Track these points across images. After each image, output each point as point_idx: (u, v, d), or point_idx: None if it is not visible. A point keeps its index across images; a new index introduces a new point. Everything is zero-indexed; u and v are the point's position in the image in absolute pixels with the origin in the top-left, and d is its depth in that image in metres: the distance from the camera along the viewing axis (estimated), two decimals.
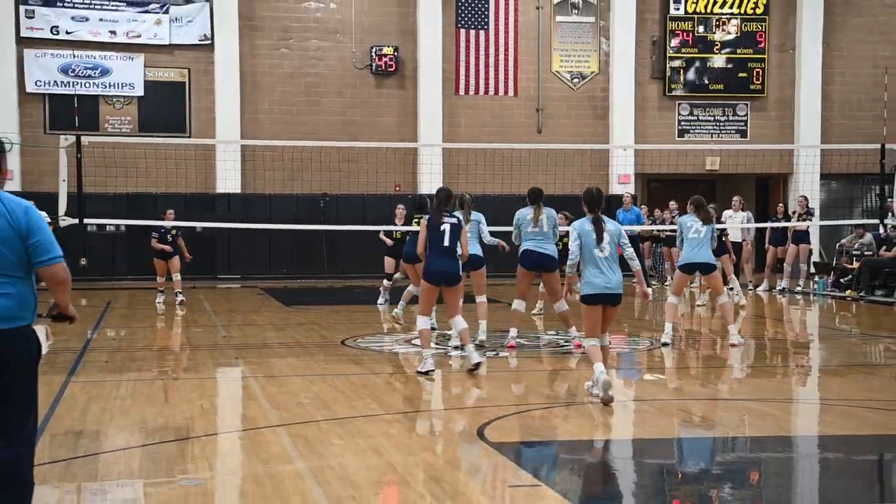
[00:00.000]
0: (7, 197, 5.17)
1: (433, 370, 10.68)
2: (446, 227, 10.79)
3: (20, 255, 5.13)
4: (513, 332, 12.64)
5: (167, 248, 18.30)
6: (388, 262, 18.23)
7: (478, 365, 10.72)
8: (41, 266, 5.20)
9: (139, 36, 24.73)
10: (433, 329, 12.93)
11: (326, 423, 8.42)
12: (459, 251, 10.95)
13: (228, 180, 24.36)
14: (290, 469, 6.95)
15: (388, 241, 18.17)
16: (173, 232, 18.39)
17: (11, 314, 5.09)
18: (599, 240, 9.35)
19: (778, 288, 21.58)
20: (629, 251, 9.98)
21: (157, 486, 6.63)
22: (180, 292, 18.59)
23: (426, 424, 8.91)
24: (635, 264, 10.25)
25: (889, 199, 16.80)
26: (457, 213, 11.48)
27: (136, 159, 22.83)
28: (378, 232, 18.58)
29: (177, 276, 18.46)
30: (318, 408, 9.09)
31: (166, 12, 24.82)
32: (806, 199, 22.32)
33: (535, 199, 12.39)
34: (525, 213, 12.45)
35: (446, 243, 10.78)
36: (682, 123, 27.02)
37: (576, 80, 26.67)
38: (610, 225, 9.56)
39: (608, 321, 9.58)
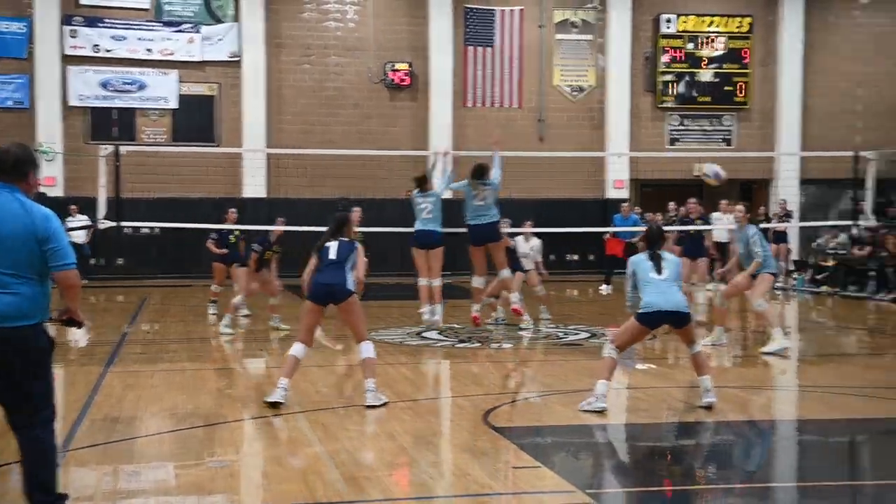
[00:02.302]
0: (32, 205, 5.22)
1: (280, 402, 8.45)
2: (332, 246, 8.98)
3: (35, 258, 5.16)
4: (514, 296, 12.89)
5: (223, 251, 15.48)
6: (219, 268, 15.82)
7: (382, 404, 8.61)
8: (56, 270, 5.23)
9: (173, 53, 24.77)
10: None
11: (343, 410, 8.42)
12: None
13: (255, 186, 24.42)
14: (309, 452, 6.95)
15: (216, 250, 15.65)
16: (236, 233, 15.62)
17: (20, 312, 5.12)
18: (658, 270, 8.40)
19: None
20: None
21: (187, 468, 6.63)
22: (238, 311, 14.21)
23: (435, 411, 8.90)
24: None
25: (861, 202, 16.73)
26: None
27: (169, 167, 22.89)
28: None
29: (237, 295, 14.16)
30: (336, 396, 9.09)
31: (198, 32, 24.85)
32: (785, 202, 22.33)
33: (478, 175, 12.48)
34: (465, 187, 12.88)
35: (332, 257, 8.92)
36: (673, 133, 26.95)
37: (575, 93, 26.62)
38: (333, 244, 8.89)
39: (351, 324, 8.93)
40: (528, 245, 14.69)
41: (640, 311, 8.33)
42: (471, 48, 25.97)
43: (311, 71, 25.56)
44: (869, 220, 17.01)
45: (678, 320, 8.33)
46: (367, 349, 8.75)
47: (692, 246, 17.10)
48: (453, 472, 6.58)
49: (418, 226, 13.27)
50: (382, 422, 7.92)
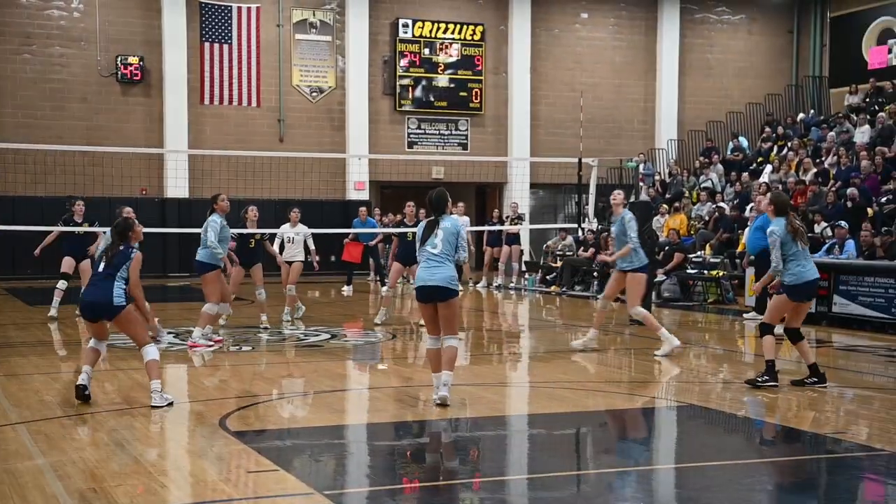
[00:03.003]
0: None
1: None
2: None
3: None
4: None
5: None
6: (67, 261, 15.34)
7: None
8: None
9: None
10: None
11: (69, 419, 7.97)
12: None
13: None
14: (29, 465, 6.52)
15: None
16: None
17: None
18: (424, 239, 8.58)
19: (494, 284, 22.26)
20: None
21: None
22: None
23: (170, 417, 8.59)
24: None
25: (585, 206, 17.60)
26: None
27: None
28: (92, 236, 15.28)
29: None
30: (61, 404, 8.59)
31: None
32: (517, 205, 23.14)
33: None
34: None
35: None
36: (411, 136, 27.45)
37: (314, 94, 26.57)
38: (446, 223, 8.62)
39: (443, 318, 8.55)
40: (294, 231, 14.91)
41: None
42: (207, 44, 25.41)
43: (32, 61, 24.18)
44: (592, 223, 17.88)
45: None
46: (150, 352, 8.55)
47: None
48: (188, 479, 6.37)
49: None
50: (112, 430, 7.55)
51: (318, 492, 5.91)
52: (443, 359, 8.54)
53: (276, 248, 14.78)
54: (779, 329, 9.91)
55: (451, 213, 9.06)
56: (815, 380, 9.58)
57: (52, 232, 15.63)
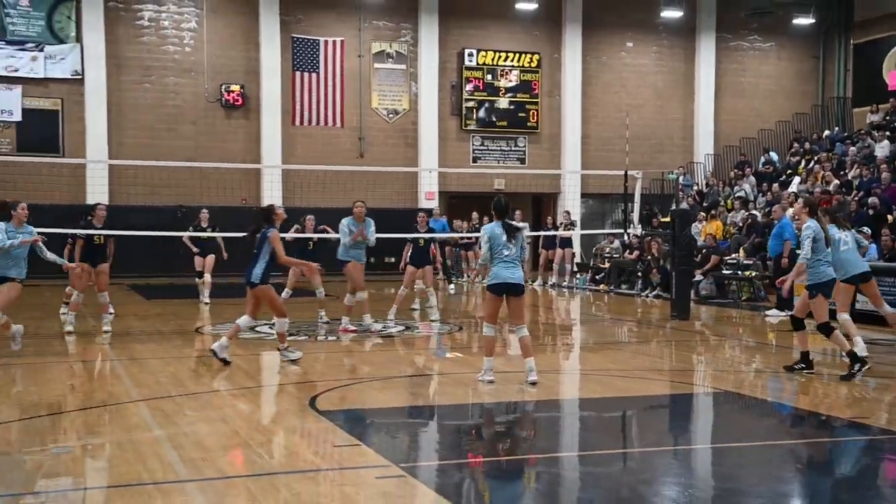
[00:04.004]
0: None
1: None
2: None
3: None
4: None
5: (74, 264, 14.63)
6: (198, 261, 16.94)
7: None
8: None
9: (17, 70, 23.38)
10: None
11: (181, 398, 8.15)
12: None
13: (98, 194, 23.28)
14: (149, 436, 6.69)
15: (194, 248, 16.78)
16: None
17: None
18: (509, 240, 8.73)
19: (549, 283, 22.20)
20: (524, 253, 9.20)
21: (32, 454, 6.26)
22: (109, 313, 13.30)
23: (266, 397, 8.75)
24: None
25: (630, 213, 17.46)
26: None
27: (13, 175, 21.54)
28: (184, 238, 16.81)
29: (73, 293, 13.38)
30: (174, 385, 8.80)
31: (41, 50, 23.55)
32: (569, 212, 23.04)
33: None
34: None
35: None
36: (476, 151, 27.46)
37: (391, 115, 26.73)
38: (520, 226, 8.97)
39: (515, 309, 8.85)
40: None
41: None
42: (298, 73, 25.70)
43: (151, 90, 24.68)
44: (637, 229, 17.74)
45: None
46: (280, 324, 9.97)
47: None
48: (282, 451, 6.48)
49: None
50: (217, 408, 7.71)
51: (395, 464, 5.97)
52: (522, 347, 8.85)
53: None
54: (807, 324, 9.74)
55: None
56: (804, 366, 9.54)
57: (181, 237, 16.94)
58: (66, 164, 23.26)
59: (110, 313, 13.16)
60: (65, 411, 7.60)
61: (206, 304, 16.71)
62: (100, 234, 12.97)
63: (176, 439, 6.56)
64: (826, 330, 9.31)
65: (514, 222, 8.93)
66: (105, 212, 13.26)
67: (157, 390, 8.49)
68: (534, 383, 8.67)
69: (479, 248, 9.38)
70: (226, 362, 9.72)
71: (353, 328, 12.78)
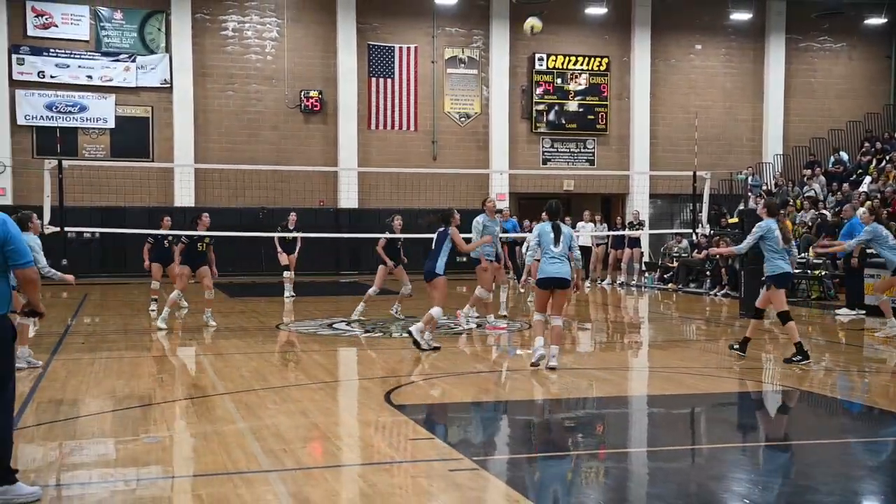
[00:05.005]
0: None
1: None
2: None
3: None
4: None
5: (146, 262, 15.07)
6: (283, 257, 18.03)
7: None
8: (16, 268, 5.07)
9: (111, 80, 24.10)
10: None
11: (263, 391, 8.29)
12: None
13: (185, 196, 23.90)
14: (233, 428, 6.82)
15: (279, 248, 17.93)
16: (170, 238, 14.73)
17: None
18: (556, 240, 9.34)
19: (618, 282, 21.97)
20: (577, 253, 9.74)
21: (125, 443, 6.44)
22: (182, 307, 14.41)
23: (344, 391, 8.84)
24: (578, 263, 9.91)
25: (699, 214, 17.18)
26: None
27: (108, 179, 22.24)
28: (275, 239, 17.93)
29: (173, 290, 13.37)
30: (257, 379, 8.95)
31: (133, 61, 24.23)
32: (638, 212, 22.77)
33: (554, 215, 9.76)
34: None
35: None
36: (546, 153, 27.33)
37: (463, 119, 26.77)
38: (565, 229, 9.47)
39: (557, 302, 9.39)
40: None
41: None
42: (374, 79, 25.91)
43: (234, 97, 25.16)
44: (705, 229, 17.46)
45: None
46: (434, 312, 10.37)
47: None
48: (359, 444, 6.54)
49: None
50: (297, 401, 7.82)
51: (467, 457, 5.97)
52: (552, 335, 9.32)
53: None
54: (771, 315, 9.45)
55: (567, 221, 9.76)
56: (800, 357, 9.66)
57: (272, 237, 17.92)
58: (155, 168, 23.89)
59: (206, 311, 13.51)
60: (154, 403, 7.79)
61: (291, 297, 17.57)
62: (201, 240, 13.31)
63: (258, 431, 6.67)
64: (784, 318, 9.80)
65: (562, 224, 9.52)
66: (209, 220, 13.63)
67: (240, 384, 8.65)
68: (553, 368, 9.13)
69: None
70: (435, 349, 10.50)
71: (502, 325, 12.98)
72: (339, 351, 11.37)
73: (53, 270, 9.65)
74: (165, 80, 24.40)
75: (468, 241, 12.13)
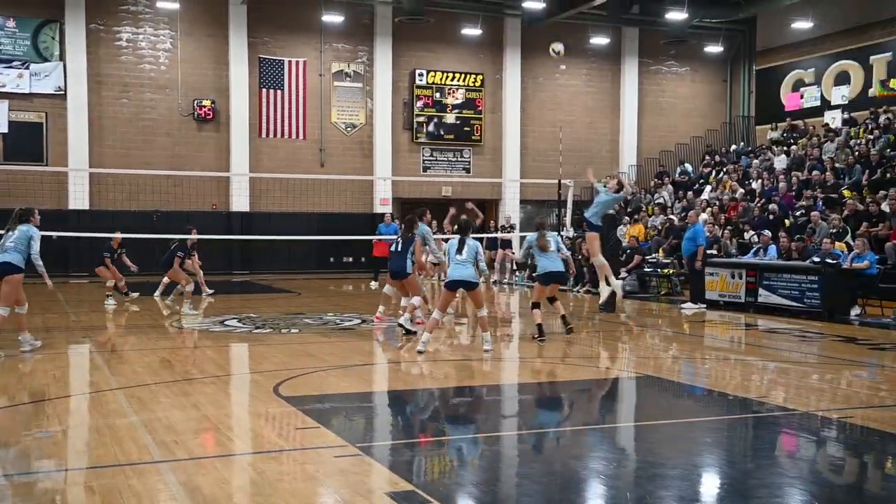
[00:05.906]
0: None
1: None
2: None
3: None
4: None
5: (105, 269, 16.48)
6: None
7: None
8: None
9: (4, 86, 22.84)
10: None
11: (156, 386, 8.02)
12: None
13: (79, 199, 22.87)
14: (125, 422, 6.57)
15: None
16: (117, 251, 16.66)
17: None
18: (460, 250, 10.21)
19: (492, 280, 22.22)
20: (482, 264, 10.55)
21: (18, 438, 6.10)
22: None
23: (235, 385, 8.64)
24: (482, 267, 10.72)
25: (564, 217, 17.60)
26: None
27: (2, 182, 21.06)
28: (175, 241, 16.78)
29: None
30: (149, 374, 8.65)
31: (27, 68, 23.03)
32: (509, 217, 23.15)
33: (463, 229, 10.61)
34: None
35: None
36: (426, 162, 27.44)
37: (349, 129, 26.59)
38: (470, 242, 10.24)
39: (473, 300, 10.44)
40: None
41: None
42: (264, 90, 25.46)
43: (128, 104, 24.25)
44: (569, 231, 17.89)
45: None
46: (414, 300, 11.52)
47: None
48: (249, 434, 6.41)
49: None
50: (189, 395, 7.59)
51: (351, 444, 5.94)
52: (480, 324, 10.39)
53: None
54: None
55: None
56: (543, 338, 11.10)
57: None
58: (49, 171, 22.79)
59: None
60: (47, 399, 7.42)
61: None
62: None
63: (150, 424, 6.45)
64: (535, 306, 11.52)
65: (468, 238, 10.32)
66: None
67: (133, 379, 8.34)
68: (487, 351, 10.08)
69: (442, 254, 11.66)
70: (410, 333, 11.18)
71: (387, 319, 12.91)
72: (230, 346, 11.10)
73: (42, 266, 9.90)
74: (60, 87, 23.30)
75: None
